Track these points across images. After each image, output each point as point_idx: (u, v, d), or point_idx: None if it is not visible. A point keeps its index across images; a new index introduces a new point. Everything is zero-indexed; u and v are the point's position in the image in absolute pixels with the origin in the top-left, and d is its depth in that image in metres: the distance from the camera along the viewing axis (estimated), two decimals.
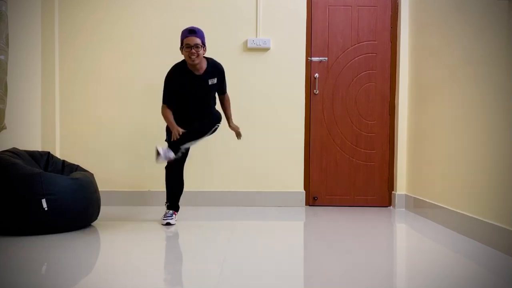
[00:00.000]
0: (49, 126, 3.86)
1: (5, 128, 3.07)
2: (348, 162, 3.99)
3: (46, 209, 2.62)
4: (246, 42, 3.90)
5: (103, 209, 3.63)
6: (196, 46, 2.83)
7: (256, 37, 3.90)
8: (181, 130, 2.86)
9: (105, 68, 3.91)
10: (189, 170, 3.92)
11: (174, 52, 3.90)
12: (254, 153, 3.91)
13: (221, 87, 3.14)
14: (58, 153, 3.88)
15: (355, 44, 3.98)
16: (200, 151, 3.92)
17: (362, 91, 3.99)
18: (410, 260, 2.20)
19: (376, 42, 3.98)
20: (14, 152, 2.89)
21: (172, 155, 2.90)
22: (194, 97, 3.01)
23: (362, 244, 2.51)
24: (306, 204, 3.99)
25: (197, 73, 2.96)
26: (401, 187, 3.91)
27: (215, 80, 3.03)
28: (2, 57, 2.96)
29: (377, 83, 3.99)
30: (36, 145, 3.73)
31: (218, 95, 3.20)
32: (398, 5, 3.94)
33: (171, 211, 3.10)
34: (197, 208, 3.76)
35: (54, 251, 2.27)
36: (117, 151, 3.92)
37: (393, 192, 3.98)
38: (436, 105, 3.25)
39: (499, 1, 2.42)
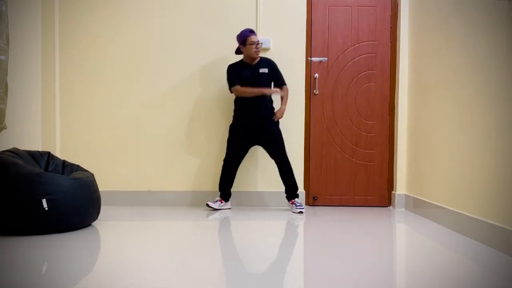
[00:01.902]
0: (49, 126, 3.86)
1: (6, 128, 3.08)
2: (348, 162, 4.00)
3: (46, 209, 2.62)
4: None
5: (103, 209, 3.64)
6: (258, 42, 3.55)
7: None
8: (272, 90, 3.59)
9: (105, 68, 3.91)
10: (190, 170, 3.92)
11: (174, 52, 3.91)
12: (255, 153, 3.91)
13: (276, 78, 3.65)
14: (58, 153, 3.89)
15: (355, 44, 3.98)
16: (200, 152, 3.92)
17: (362, 91, 3.99)
18: (410, 260, 2.20)
19: (376, 42, 3.98)
20: (15, 152, 2.89)
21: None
22: (250, 84, 3.54)
23: (362, 244, 2.51)
24: (306, 204, 3.99)
25: (249, 64, 3.60)
26: (401, 187, 3.91)
27: (266, 70, 3.59)
28: (2, 57, 2.96)
29: (377, 83, 3.99)
30: (36, 145, 3.73)
31: (280, 86, 3.65)
32: (398, 5, 3.94)
33: (218, 198, 3.69)
34: (197, 208, 3.76)
35: (54, 251, 2.27)
36: (117, 151, 3.92)
37: (393, 192, 3.98)
38: (436, 105, 3.25)
39: (499, 1, 2.42)
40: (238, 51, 3.66)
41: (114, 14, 3.91)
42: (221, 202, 3.66)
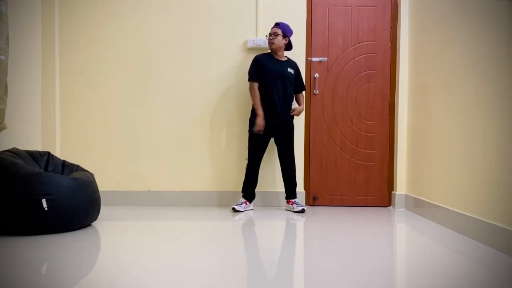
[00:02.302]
0: (49, 126, 3.86)
1: (5, 128, 3.08)
2: (348, 162, 4.00)
3: (46, 209, 2.62)
4: (246, 42, 3.90)
5: (103, 209, 3.64)
6: (275, 34, 3.56)
7: (256, 37, 3.90)
8: (262, 127, 3.49)
9: (106, 67, 3.91)
10: (190, 171, 3.92)
11: (174, 52, 3.91)
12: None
13: (299, 81, 3.70)
14: (58, 153, 3.89)
15: (355, 44, 3.98)
16: (200, 152, 3.92)
17: (362, 91, 3.99)
18: (410, 260, 2.20)
19: (376, 42, 3.98)
20: (14, 152, 2.89)
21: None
22: (277, 79, 3.55)
23: (362, 244, 2.51)
24: (306, 204, 3.99)
25: (279, 59, 3.63)
26: (401, 187, 3.91)
27: (292, 71, 3.64)
28: (2, 57, 2.96)
29: (377, 83, 3.99)
30: (36, 145, 3.73)
31: (296, 92, 3.72)
32: (398, 5, 3.94)
33: (243, 200, 3.65)
34: (197, 208, 3.76)
35: (54, 251, 2.27)
36: (117, 151, 3.92)
37: (393, 192, 3.98)
38: (436, 105, 3.25)
39: (499, 1, 2.42)
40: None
41: (114, 14, 3.91)
42: (246, 204, 3.66)
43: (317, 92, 3.97)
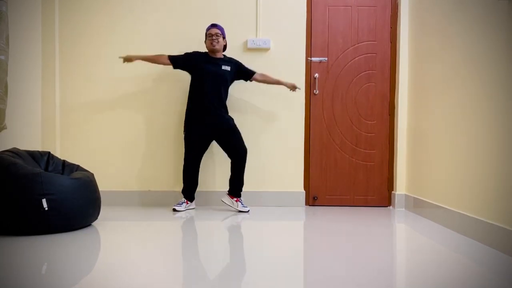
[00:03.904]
0: (49, 126, 3.86)
1: (6, 128, 3.08)
2: (348, 162, 4.00)
3: (46, 209, 2.62)
4: (246, 42, 3.90)
5: (103, 209, 3.64)
6: (216, 34, 3.55)
7: (256, 37, 3.90)
8: (129, 58, 3.56)
9: (105, 68, 3.91)
10: None
11: (174, 52, 3.91)
12: (254, 153, 3.91)
13: (244, 72, 3.68)
14: (58, 153, 3.89)
15: (355, 44, 3.98)
16: None
17: (362, 91, 3.99)
18: (410, 260, 2.20)
19: (376, 42, 3.98)
20: (15, 152, 2.89)
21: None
22: (209, 77, 3.53)
23: (362, 244, 2.51)
24: (306, 204, 3.99)
25: (214, 57, 3.60)
26: (401, 187, 3.91)
27: (228, 68, 3.60)
28: (2, 57, 2.96)
29: (377, 83, 3.99)
30: (36, 145, 3.73)
31: (250, 78, 3.70)
32: (398, 5, 3.94)
33: (183, 199, 3.63)
34: (197, 208, 3.76)
35: (54, 251, 2.27)
36: (117, 151, 3.92)
37: (393, 192, 3.98)
38: (436, 105, 3.25)
39: (499, 1, 2.42)
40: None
41: (113, 14, 3.91)
42: (187, 203, 3.64)
43: (317, 92, 3.97)
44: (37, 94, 3.76)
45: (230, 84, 3.67)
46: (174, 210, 3.56)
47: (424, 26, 3.52)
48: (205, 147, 3.60)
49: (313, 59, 3.98)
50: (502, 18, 2.40)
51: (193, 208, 3.72)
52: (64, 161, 3.22)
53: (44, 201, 2.61)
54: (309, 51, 3.97)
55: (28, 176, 2.62)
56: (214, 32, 3.55)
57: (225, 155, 3.84)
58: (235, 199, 3.63)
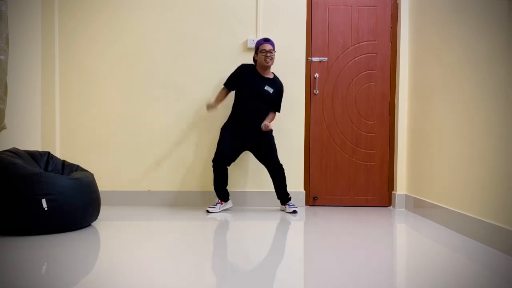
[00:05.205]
0: (49, 126, 3.86)
1: (5, 128, 3.08)
2: (348, 162, 3.99)
3: (46, 209, 2.62)
4: (246, 42, 3.90)
5: (103, 209, 3.64)
6: (270, 51, 3.51)
7: (256, 37, 3.90)
8: (212, 108, 3.60)
9: (105, 68, 3.91)
10: (190, 171, 3.92)
11: (174, 52, 3.91)
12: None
13: (276, 102, 3.66)
14: (58, 153, 3.89)
15: (355, 44, 3.98)
16: (200, 152, 3.92)
17: (362, 91, 3.99)
18: (410, 260, 2.20)
19: (376, 42, 3.98)
20: (14, 152, 2.89)
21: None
22: (254, 91, 3.55)
23: (362, 244, 2.51)
24: (306, 204, 3.99)
25: (262, 74, 3.60)
26: (401, 187, 3.91)
27: (271, 90, 3.59)
28: (2, 57, 2.96)
29: (377, 83, 3.99)
30: (36, 145, 3.73)
31: (273, 110, 3.67)
32: (398, 5, 3.94)
33: (217, 200, 3.66)
34: (197, 208, 3.76)
35: (54, 251, 2.27)
36: (117, 151, 3.92)
37: (393, 192, 3.98)
38: (436, 105, 3.25)
39: (499, 1, 2.42)
40: (254, 59, 3.64)
41: (114, 14, 3.91)
42: (221, 203, 3.66)
43: (317, 92, 3.97)
44: (37, 94, 3.76)
45: (270, 104, 3.63)
46: (208, 211, 3.57)
47: (424, 26, 3.52)
48: (236, 151, 3.60)
49: (313, 59, 3.98)
50: (502, 18, 2.40)
51: (230, 207, 3.75)
52: (64, 161, 3.22)
53: (44, 201, 2.61)
54: (309, 51, 3.97)
55: (28, 176, 2.62)
56: (268, 48, 3.50)
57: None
58: (284, 205, 3.67)
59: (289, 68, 3.90)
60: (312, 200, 4.00)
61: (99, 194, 3.06)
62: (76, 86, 3.92)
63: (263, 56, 3.51)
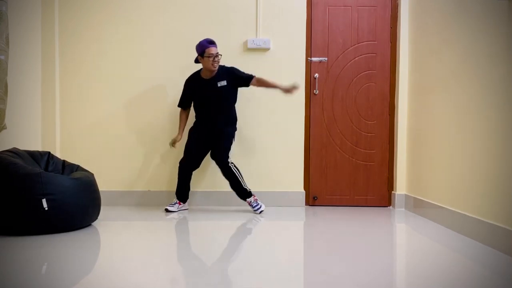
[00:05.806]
0: (49, 126, 3.86)
1: (5, 128, 3.08)
2: (348, 162, 4.00)
3: (46, 209, 2.62)
4: (246, 43, 3.90)
5: (103, 209, 3.63)
6: (217, 55, 3.40)
7: (256, 37, 3.90)
8: (177, 142, 3.62)
9: (105, 68, 3.91)
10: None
11: (174, 52, 3.91)
12: (254, 153, 3.91)
13: (240, 78, 3.53)
14: (58, 153, 3.88)
15: (355, 44, 3.98)
16: None
17: (362, 91, 3.99)
18: (410, 260, 2.20)
19: (376, 42, 3.98)
20: (14, 152, 2.89)
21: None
22: (207, 99, 3.49)
23: (362, 244, 2.51)
24: (306, 204, 3.99)
25: (207, 78, 3.50)
26: (401, 187, 3.91)
27: (224, 82, 3.48)
28: (2, 57, 2.96)
29: (377, 83, 3.99)
30: (36, 145, 3.73)
31: (248, 84, 3.54)
32: (398, 5, 3.94)
33: (176, 200, 3.62)
34: (198, 208, 3.76)
35: (54, 251, 2.28)
36: (117, 151, 3.92)
37: (393, 192, 3.98)
38: (436, 105, 3.25)
39: (499, 1, 2.42)
40: (196, 61, 3.54)
41: (113, 14, 3.91)
42: (179, 204, 3.63)
43: (317, 92, 3.97)
44: (37, 94, 3.76)
45: (233, 94, 3.58)
46: (167, 210, 3.55)
47: (424, 26, 3.52)
48: (201, 153, 3.59)
49: (313, 59, 3.98)
50: (502, 18, 2.40)
51: (186, 209, 3.70)
52: (64, 161, 3.22)
53: (44, 201, 2.61)
54: (309, 51, 3.97)
55: (28, 176, 2.62)
56: (215, 52, 3.39)
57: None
58: (246, 201, 3.59)
59: (289, 68, 3.90)
60: (312, 200, 4.00)
61: (99, 194, 3.06)
62: (76, 86, 3.92)
63: (210, 61, 3.38)
